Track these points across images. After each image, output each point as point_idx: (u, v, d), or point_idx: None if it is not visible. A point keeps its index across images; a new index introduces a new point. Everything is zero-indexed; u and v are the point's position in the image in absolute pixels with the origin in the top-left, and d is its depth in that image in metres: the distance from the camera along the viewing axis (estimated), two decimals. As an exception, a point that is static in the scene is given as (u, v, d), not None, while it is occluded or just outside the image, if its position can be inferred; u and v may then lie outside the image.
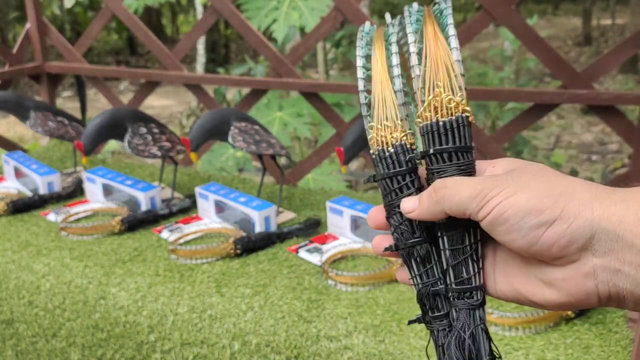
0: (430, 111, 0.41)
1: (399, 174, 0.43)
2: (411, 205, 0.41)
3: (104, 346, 1.16)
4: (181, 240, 1.33)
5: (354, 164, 3.78)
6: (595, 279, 0.37)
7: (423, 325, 0.98)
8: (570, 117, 5.16)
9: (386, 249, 0.44)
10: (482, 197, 0.38)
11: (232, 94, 4.08)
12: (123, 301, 1.14)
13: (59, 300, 1.19)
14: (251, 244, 1.28)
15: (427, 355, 0.50)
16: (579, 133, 4.77)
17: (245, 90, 2.47)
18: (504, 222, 0.37)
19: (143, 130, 1.51)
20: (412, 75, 0.42)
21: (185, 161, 1.95)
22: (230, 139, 1.40)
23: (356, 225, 1.31)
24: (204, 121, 1.39)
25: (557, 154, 3.72)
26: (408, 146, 0.43)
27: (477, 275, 0.41)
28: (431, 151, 0.41)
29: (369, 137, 0.44)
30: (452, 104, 0.41)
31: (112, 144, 3.49)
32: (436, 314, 0.42)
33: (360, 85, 0.44)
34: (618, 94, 1.41)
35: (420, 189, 0.43)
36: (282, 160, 3.13)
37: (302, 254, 1.27)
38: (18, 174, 1.70)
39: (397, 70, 0.43)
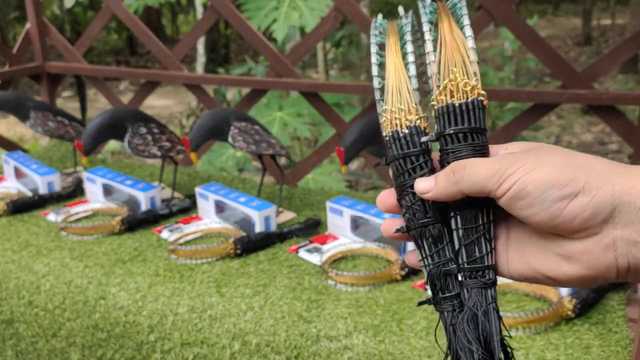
0: (446, 95, 0.43)
1: (413, 154, 0.43)
2: (427, 186, 0.42)
3: (104, 346, 1.16)
4: (181, 240, 1.33)
5: (354, 164, 3.78)
6: (615, 251, 0.37)
7: (423, 325, 0.98)
8: (570, 117, 5.16)
9: (397, 230, 0.44)
10: (500, 174, 0.38)
11: (232, 94, 4.08)
12: (123, 301, 1.14)
13: (59, 300, 1.19)
14: (251, 244, 1.28)
15: (435, 338, 0.50)
16: (579, 133, 4.77)
17: (245, 90, 2.47)
18: (525, 196, 0.38)
19: (143, 130, 1.51)
20: (428, 61, 0.44)
21: (185, 161, 1.95)
22: (230, 139, 1.40)
23: (356, 225, 1.31)
24: (204, 121, 1.39)
25: (557, 154, 3.71)
26: (422, 129, 0.44)
27: (489, 254, 0.42)
28: (450, 131, 0.42)
29: (381, 121, 0.45)
30: (468, 88, 0.42)
31: (112, 144, 3.48)
32: (446, 294, 0.43)
33: (374, 70, 0.45)
34: (618, 94, 1.41)
35: (432, 171, 0.43)
36: (282, 160, 3.13)
37: (302, 254, 1.27)
38: (18, 174, 1.70)
39: (412, 57, 0.44)
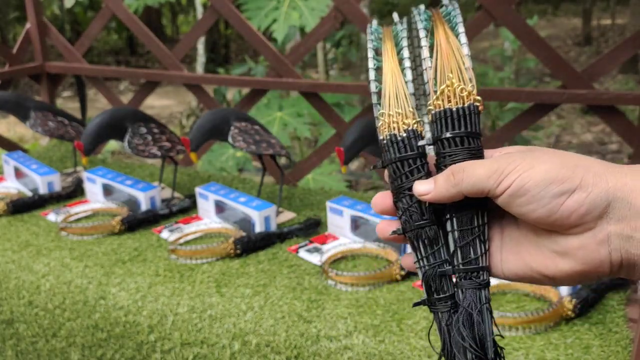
0: (442, 99, 0.44)
1: (410, 157, 0.44)
2: (427, 188, 0.43)
3: (104, 346, 1.16)
4: (181, 240, 1.33)
5: (354, 164, 3.78)
6: (609, 245, 0.39)
7: (423, 325, 0.98)
8: (570, 117, 5.16)
9: (394, 232, 0.45)
10: (499, 173, 0.40)
11: (232, 94, 4.08)
12: (123, 301, 1.14)
13: (59, 300, 1.19)
14: (251, 244, 1.28)
15: (429, 339, 0.51)
16: (579, 133, 4.77)
17: (245, 90, 2.47)
18: (524, 193, 0.39)
19: (143, 130, 1.51)
20: (424, 67, 0.45)
21: (185, 161, 1.95)
22: (230, 139, 1.40)
23: (356, 225, 1.31)
24: (204, 121, 1.39)
25: (557, 154, 3.71)
26: (419, 132, 0.45)
27: (484, 255, 0.43)
28: (448, 135, 0.43)
29: (378, 124, 0.46)
30: (464, 93, 0.43)
31: (112, 144, 3.48)
32: (441, 295, 0.43)
33: (372, 75, 0.46)
34: (618, 94, 1.41)
35: (429, 174, 0.44)
36: (282, 160, 3.13)
37: (302, 254, 1.27)
38: (18, 174, 1.70)
39: (408, 62, 0.45)
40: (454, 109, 0.43)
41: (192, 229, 1.37)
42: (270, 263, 1.23)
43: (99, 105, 5.77)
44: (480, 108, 0.44)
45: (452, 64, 0.44)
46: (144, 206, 1.47)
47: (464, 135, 0.43)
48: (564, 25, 9.89)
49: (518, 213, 0.40)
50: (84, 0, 6.26)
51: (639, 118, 1.40)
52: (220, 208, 1.42)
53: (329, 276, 1.14)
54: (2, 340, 1.30)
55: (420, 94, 0.50)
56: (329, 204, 1.35)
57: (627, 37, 1.41)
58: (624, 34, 7.29)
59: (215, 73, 4.78)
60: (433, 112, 0.44)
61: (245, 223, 1.36)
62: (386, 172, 0.46)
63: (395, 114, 0.45)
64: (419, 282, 1.14)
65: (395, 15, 0.50)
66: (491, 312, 0.42)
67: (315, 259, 1.24)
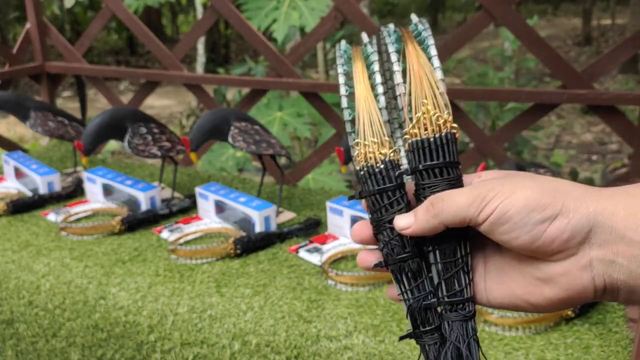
0: (419, 128, 0.42)
1: (389, 190, 0.43)
2: (407, 222, 0.42)
3: (104, 346, 1.16)
4: (181, 240, 1.33)
5: (354, 164, 3.77)
6: (591, 271, 0.38)
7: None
8: (570, 117, 5.16)
9: (376, 265, 0.44)
10: (479, 200, 0.39)
11: (232, 94, 4.08)
12: (123, 301, 1.14)
13: (59, 300, 1.19)
14: (251, 244, 1.28)
15: None
16: (579, 133, 4.77)
17: (245, 90, 2.47)
18: (507, 220, 0.38)
19: (143, 130, 1.51)
20: (398, 93, 0.43)
21: (185, 161, 1.95)
22: (230, 139, 1.40)
23: (356, 225, 1.31)
24: (204, 121, 1.39)
25: (557, 154, 3.72)
26: (396, 162, 0.44)
27: (468, 286, 0.42)
28: (421, 167, 0.42)
29: (354, 154, 0.44)
30: (441, 121, 0.42)
31: (112, 144, 3.49)
32: (427, 328, 0.43)
33: (344, 102, 0.45)
34: (618, 94, 1.41)
35: (408, 205, 0.43)
36: (282, 160, 3.13)
37: (302, 254, 1.27)
38: (18, 174, 1.70)
39: (381, 88, 0.44)
40: (432, 139, 0.42)
41: (192, 229, 1.37)
42: (270, 263, 1.23)
43: (99, 105, 5.77)
44: (457, 136, 0.42)
45: (427, 89, 0.42)
46: (144, 206, 1.47)
47: (442, 165, 0.42)
48: (564, 25, 9.90)
49: (501, 240, 0.40)
50: (84, 0, 6.26)
51: (639, 118, 1.40)
52: (220, 208, 1.42)
53: (329, 276, 1.14)
54: (2, 340, 1.30)
55: (393, 116, 0.48)
56: (329, 204, 1.35)
57: (627, 37, 1.41)
58: (624, 34, 7.29)
59: (215, 73, 4.78)
60: (410, 141, 0.43)
61: (245, 223, 1.36)
62: (364, 202, 0.44)
63: (371, 143, 0.43)
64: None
65: (364, 35, 0.48)
66: (478, 344, 0.42)
67: (315, 259, 1.24)
